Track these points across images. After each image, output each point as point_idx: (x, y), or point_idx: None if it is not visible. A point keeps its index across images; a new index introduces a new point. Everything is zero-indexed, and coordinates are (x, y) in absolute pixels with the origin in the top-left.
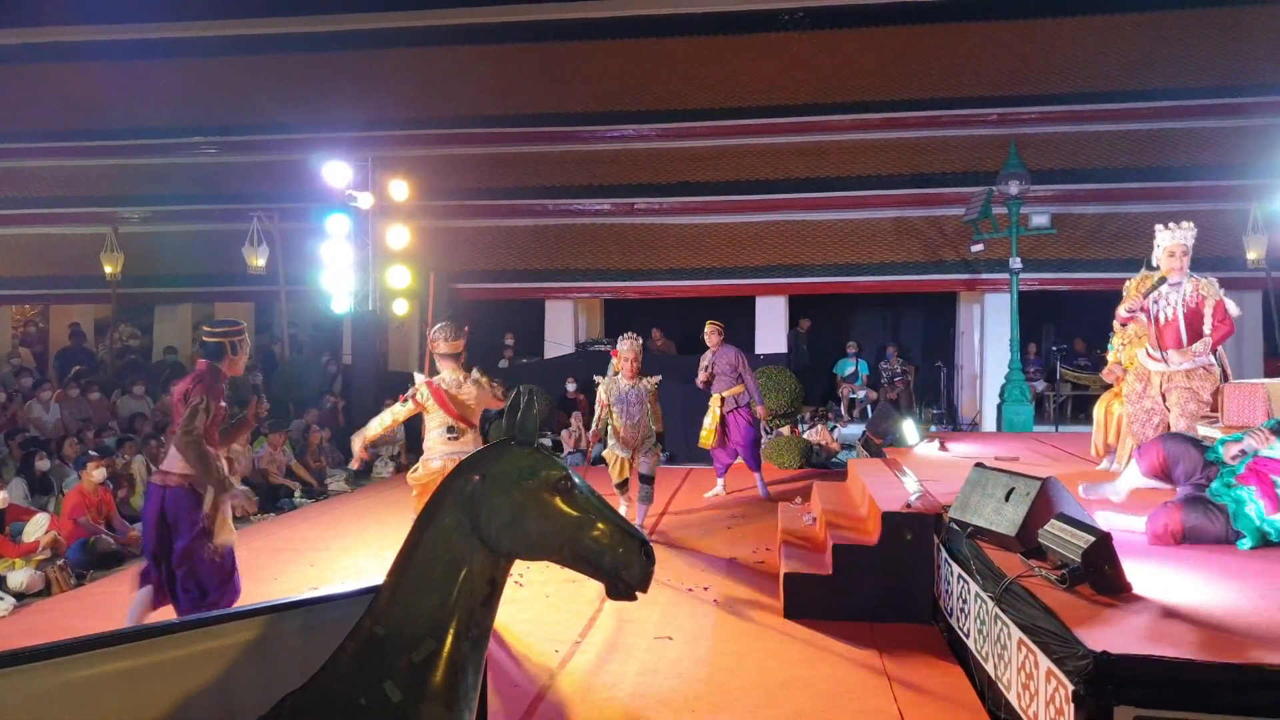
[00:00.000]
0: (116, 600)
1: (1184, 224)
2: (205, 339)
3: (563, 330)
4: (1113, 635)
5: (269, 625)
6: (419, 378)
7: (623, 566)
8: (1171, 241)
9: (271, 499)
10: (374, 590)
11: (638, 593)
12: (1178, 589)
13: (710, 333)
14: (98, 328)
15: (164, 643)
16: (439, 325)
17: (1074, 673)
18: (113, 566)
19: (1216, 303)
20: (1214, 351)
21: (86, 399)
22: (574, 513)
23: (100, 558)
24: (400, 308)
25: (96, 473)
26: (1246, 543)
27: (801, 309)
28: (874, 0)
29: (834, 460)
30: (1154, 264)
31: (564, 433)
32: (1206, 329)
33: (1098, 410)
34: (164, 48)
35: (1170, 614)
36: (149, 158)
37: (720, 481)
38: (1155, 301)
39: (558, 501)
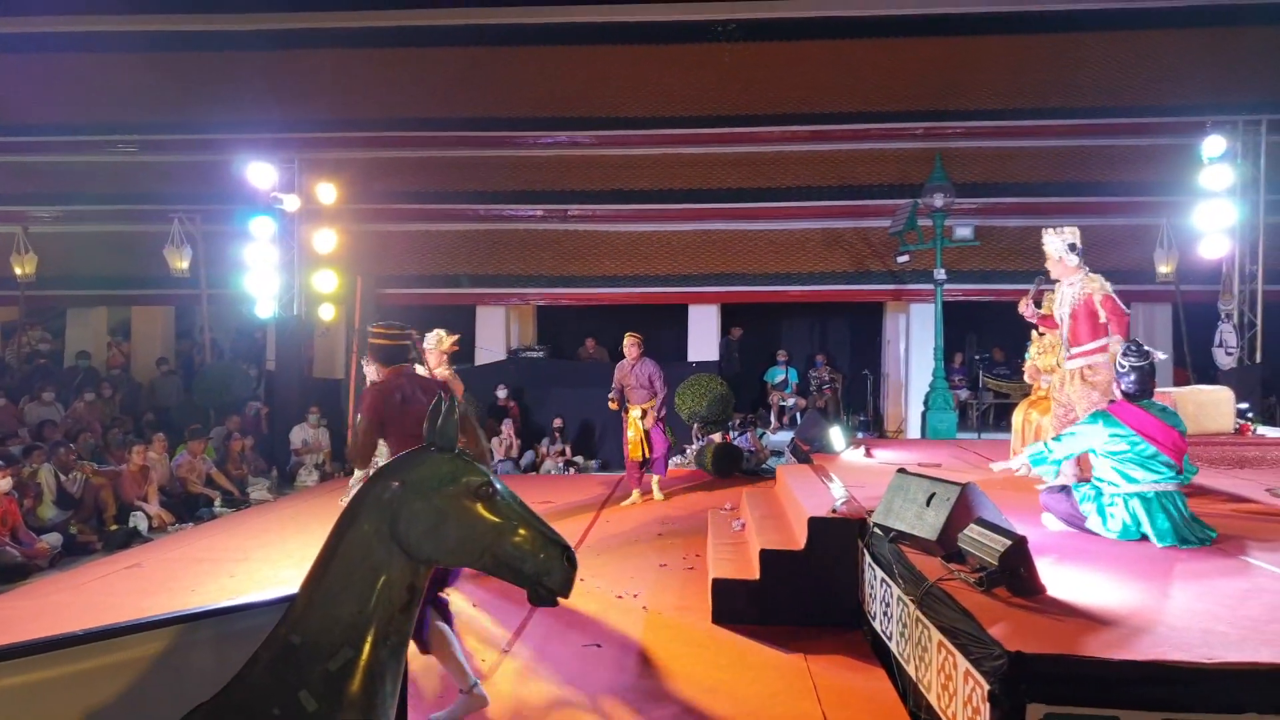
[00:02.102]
0: (20, 615)
1: (1055, 231)
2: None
3: (494, 337)
4: (1027, 635)
5: (179, 636)
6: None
7: (544, 572)
8: (1044, 248)
9: (190, 508)
10: (290, 599)
11: (560, 599)
12: (1089, 590)
13: (630, 345)
14: (4, 331)
15: (65, 656)
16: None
17: (990, 672)
18: (16, 580)
19: (1104, 297)
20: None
21: None
22: (495, 519)
23: (3, 571)
24: (326, 313)
25: (2, 482)
26: (1131, 532)
27: (733, 317)
28: (804, 14)
29: (764, 467)
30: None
31: (494, 440)
32: (1103, 319)
33: (1016, 417)
34: (79, 41)
35: (1081, 614)
36: (62, 155)
37: (635, 491)
38: (1059, 305)
39: (479, 508)
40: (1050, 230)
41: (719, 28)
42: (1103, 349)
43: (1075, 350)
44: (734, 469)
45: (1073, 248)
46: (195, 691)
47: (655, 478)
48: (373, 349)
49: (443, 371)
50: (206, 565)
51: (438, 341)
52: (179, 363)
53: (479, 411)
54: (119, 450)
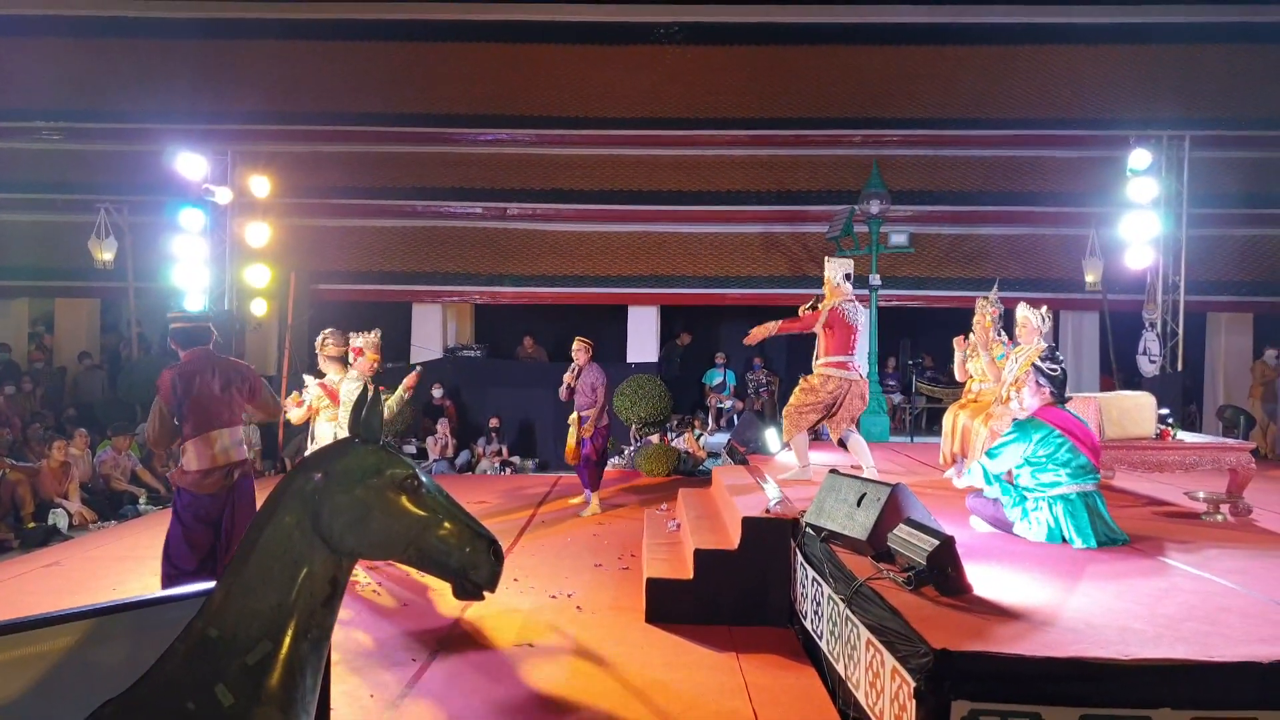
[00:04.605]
0: None
1: (838, 262)
2: None
3: (430, 335)
4: (953, 634)
5: (92, 629)
6: (309, 379)
7: (470, 566)
8: (825, 272)
9: (114, 505)
10: (208, 592)
11: (486, 593)
12: (1013, 590)
13: (578, 350)
14: None
15: None
16: (329, 330)
17: (916, 670)
18: None
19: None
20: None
21: None
22: (420, 512)
23: None
24: (258, 308)
25: None
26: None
27: (674, 320)
28: (747, 19)
29: (700, 468)
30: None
31: (430, 440)
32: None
33: (946, 421)
34: (1, 24)
35: (1005, 613)
36: None
37: (588, 493)
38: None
39: (403, 500)
40: (830, 260)
41: (661, 30)
42: (832, 364)
43: (823, 360)
44: (671, 469)
45: (848, 276)
46: (108, 686)
47: (585, 494)
48: (172, 333)
49: (334, 376)
50: (129, 564)
51: (321, 342)
52: (104, 357)
53: (415, 410)
54: (39, 445)
